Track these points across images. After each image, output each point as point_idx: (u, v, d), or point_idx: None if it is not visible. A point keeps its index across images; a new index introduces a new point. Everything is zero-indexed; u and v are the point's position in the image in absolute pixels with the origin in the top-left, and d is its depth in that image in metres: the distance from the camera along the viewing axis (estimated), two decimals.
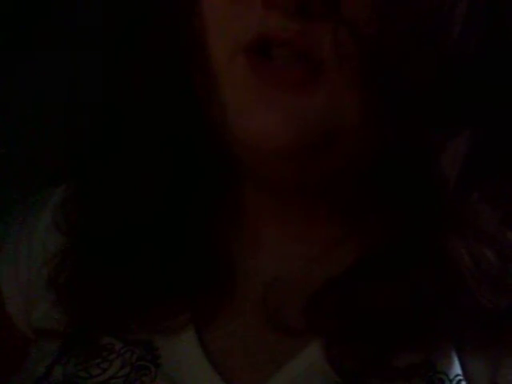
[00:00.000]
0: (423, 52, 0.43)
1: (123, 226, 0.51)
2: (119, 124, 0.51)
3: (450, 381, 0.46)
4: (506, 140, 0.47)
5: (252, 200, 0.52)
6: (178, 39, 0.47)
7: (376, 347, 0.46)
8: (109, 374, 0.49)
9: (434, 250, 0.46)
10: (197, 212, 0.52)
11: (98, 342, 0.50)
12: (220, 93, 0.45)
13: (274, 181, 0.48)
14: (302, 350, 0.47)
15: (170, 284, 0.50)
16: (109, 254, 0.51)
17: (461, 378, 0.46)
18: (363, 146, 0.45)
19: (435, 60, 0.43)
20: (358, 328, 0.47)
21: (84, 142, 0.56)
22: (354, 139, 0.44)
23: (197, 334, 0.49)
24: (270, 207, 0.51)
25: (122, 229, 0.51)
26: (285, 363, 0.47)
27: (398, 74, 0.43)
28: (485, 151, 0.46)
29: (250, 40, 0.43)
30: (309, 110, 0.43)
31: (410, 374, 0.45)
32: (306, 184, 0.48)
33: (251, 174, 0.49)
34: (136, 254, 0.51)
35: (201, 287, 0.50)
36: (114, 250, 0.51)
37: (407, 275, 0.47)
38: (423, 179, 0.45)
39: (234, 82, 0.44)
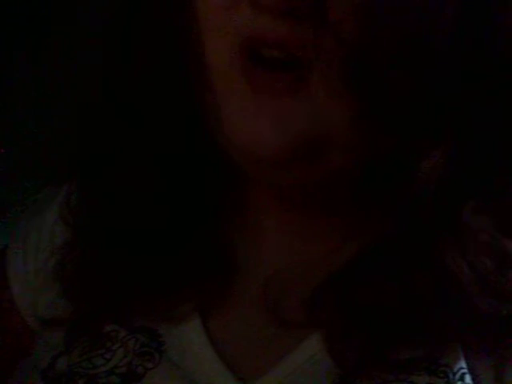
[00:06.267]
0: (408, 57, 0.43)
1: (127, 219, 0.51)
2: (121, 123, 0.51)
3: (454, 374, 0.45)
4: (496, 150, 0.47)
5: (254, 193, 0.52)
6: (176, 44, 0.47)
7: (376, 340, 0.46)
8: (112, 364, 0.49)
9: (430, 257, 0.46)
10: (201, 203, 0.52)
11: (101, 331, 0.50)
12: (215, 98, 0.45)
13: (270, 183, 0.49)
14: (302, 342, 0.47)
15: (175, 274, 0.51)
16: (113, 244, 0.52)
17: (465, 371, 0.46)
18: (352, 152, 0.45)
19: (420, 65, 0.43)
20: (358, 322, 0.46)
21: (86, 142, 0.56)
22: (343, 146, 0.45)
23: (202, 322, 0.49)
24: (270, 202, 0.51)
25: (127, 221, 0.51)
26: (285, 354, 0.47)
27: (381, 79, 0.43)
28: (471, 161, 0.46)
29: (242, 42, 0.43)
30: (296, 115, 0.43)
31: (411, 367, 0.45)
32: (302, 187, 0.48)
33: (250, 176, 0.50)
34: (141, 245, 0.51)
35: (205, 277, 0.51)
36: (118, 240, 0.52)
37: (408, 271, 0.47)
38: (405, 184, 0.46)
39: (230, 89, 0.45)
